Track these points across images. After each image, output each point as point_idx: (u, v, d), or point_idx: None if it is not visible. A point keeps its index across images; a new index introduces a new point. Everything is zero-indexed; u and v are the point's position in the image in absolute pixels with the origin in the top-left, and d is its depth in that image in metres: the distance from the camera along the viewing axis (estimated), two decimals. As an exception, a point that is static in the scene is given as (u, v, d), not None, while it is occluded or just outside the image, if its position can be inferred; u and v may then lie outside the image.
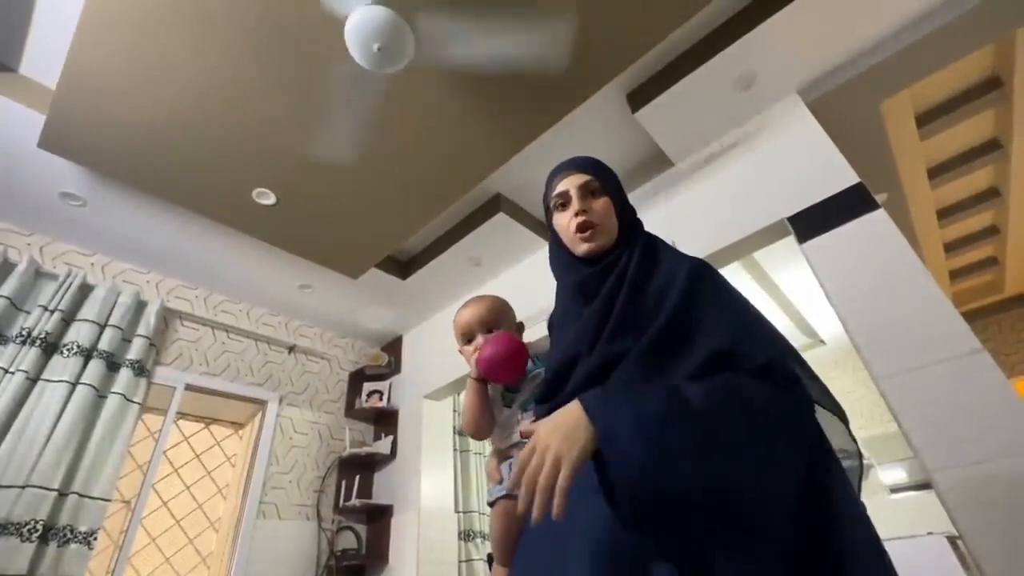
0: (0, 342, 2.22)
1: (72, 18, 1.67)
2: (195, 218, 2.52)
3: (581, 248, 0.86)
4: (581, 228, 0.85)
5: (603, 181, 0.89)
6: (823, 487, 0.62)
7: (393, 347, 3.76)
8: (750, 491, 0.56)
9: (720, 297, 0.76)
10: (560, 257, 0.92)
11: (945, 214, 3.21)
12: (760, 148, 2.17)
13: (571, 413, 0.60)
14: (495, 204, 2.66)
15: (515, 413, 0.96)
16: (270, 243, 2.62)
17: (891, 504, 3.84)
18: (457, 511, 3.13)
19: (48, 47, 1.84)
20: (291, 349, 3.33)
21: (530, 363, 0.99)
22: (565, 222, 0.88)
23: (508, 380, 0.97)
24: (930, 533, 2.97)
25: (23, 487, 2.00)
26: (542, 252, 2.91)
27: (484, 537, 3.18)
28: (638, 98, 2.16)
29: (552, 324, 0.97)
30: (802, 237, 1.87)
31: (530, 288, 2.85)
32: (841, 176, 1.87)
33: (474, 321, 1.04)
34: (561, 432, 0.58)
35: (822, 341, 4.21)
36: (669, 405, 0.58)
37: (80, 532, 2.10)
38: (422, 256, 3.05)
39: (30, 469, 2.04)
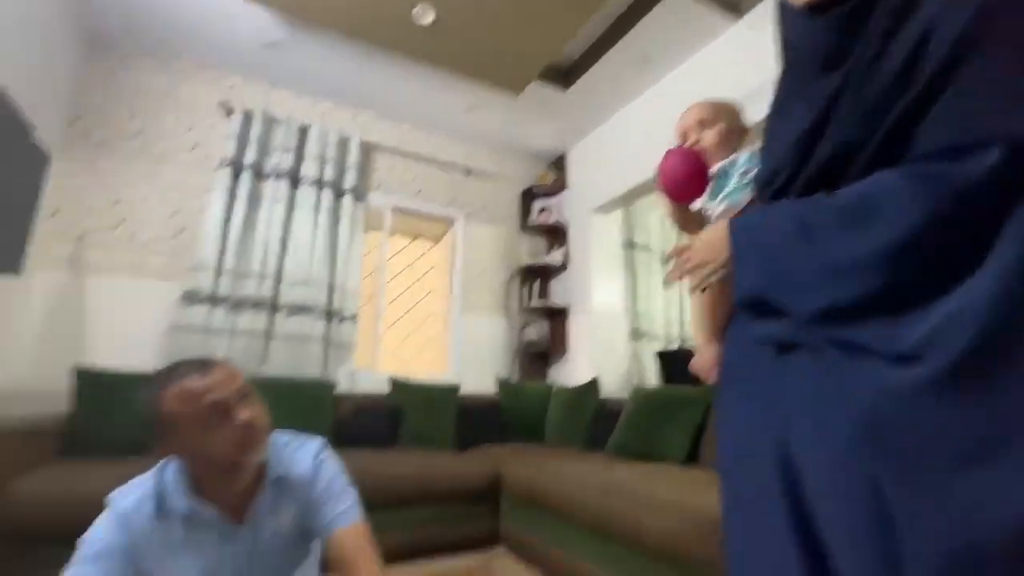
0: (261, 179, 2.84)
1: None
2: (374, 54, 2.66)
3: None
4: None
5: None
6: None
7: (559, 164, 3.81)
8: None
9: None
10: (783, 16, 0.71)
11: None
12: None
13: (720, 232, 0.71)
14: (669, -21, 2.23)
15: (718, 203, 0.91)
16: (434, 63, 2.67)
17: None
18: (626, 313, 3.40)
19: None
20: (468, 172, 3.61)
21: (745, 155, 0.90)
22: None
23: (681, 200, 0.92)
24: None
25: (306, 283, 2.76)
26: (726, 35, 2.46)
27: (650, 337, 3.46)
28: None
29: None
30: None
31: (712, 84, 2.50)
32: None
33: (692, 121, 0.97)
34: (708, 247, 0.73)
35: None
36: (794, 231, 0.61)
37: (348, 314, 2.88)
38: (584, 59, 2.83)
39: (307, 271, 2.78)
